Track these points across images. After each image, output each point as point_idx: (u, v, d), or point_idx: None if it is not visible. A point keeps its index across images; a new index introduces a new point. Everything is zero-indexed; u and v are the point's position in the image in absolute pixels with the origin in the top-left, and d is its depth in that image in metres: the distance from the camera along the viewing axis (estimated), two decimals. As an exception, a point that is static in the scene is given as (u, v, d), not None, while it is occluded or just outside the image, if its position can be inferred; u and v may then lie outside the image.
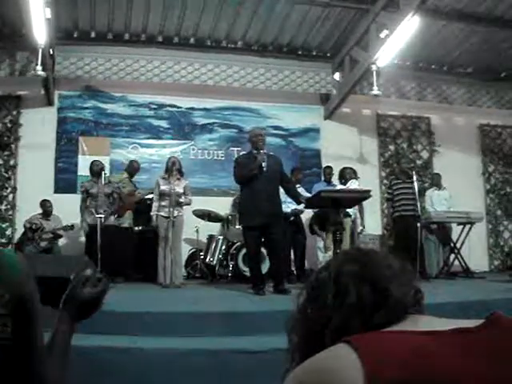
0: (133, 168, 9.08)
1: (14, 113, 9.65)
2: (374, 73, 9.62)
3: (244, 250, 8.43)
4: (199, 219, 9.20)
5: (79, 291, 1.43)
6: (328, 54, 10.87)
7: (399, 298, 1.02)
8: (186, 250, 9.11)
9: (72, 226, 8.85)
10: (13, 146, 9.56)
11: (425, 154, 11.38)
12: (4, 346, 1.15)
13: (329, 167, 9.35)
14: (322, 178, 9.60)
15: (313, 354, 0.94)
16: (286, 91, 10.61)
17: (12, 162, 9.54)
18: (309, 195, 7.84)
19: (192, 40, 10.25)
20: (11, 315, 1.16)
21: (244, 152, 8.35)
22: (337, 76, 10.82)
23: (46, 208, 8.94)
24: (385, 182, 10.91)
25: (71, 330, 1.43)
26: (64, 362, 1.35)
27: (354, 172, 8.75)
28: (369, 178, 9.94)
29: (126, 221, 8.66)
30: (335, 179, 9.01)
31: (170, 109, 10.37)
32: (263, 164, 6.71)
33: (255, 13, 9.53)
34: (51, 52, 9.33)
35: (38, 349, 1.22)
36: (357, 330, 0.96)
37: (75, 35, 9.84)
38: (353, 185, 8.29)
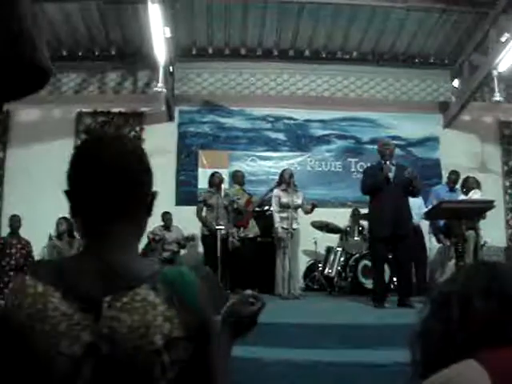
0: (238, 178, 9.65)
1: (137, 129, 10.77)
2: (495, 78, 9.85)
3: (363, 262, 8.89)
4: (317, 231, 9.70)
5: (239, 309, 1.56)
6: (446, 61, 11.21)
7: None
8: (304, 262, 9.69)
9: (193, 238, 9.78)
10: (136, 160, 10.75)
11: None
12: (183, 369, 1.22)
13: (455, 172, 9.24)
14: (444, 181, 9.72)
15: (437, 369, 0.99)
16: (403, 100, 11.10)
17: (135, 176, 10.70)
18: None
19: (307, 52, 10.98)
20: (192, 338, 1.23)
21: (363, 163, 9.16)
22: (455, 83, 11.11)
23: (166, 220, 9.78)
24: (509, 191, 11.10)
25: (230, 348, 1.52)
26: (226, 378, 1.41)
27: (477, 182, 8.77)
28: (491, 188, 9.97)
29: (252, 230, 9.27)
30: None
31: (287, 121, 11.12)
32: (390, 175, 7.02)
33: (370, 22, 10.08)
34: (171, 69, 10.34)
35: (215, 373, 1.28)
36: (484, 346, 1.00)
37: (193, 52, 10.88)
38: (475, 195, 8.37)
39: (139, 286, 1.22)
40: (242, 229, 9.12)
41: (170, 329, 1.20)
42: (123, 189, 1.29)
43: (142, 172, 1.34)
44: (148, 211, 1.37)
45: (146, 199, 1.36)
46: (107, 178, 1.28)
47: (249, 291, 1.66)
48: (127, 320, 1.19)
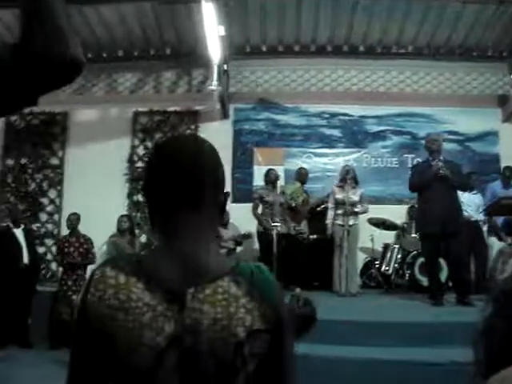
0: (302, 175, 9.86)
1: (193, 127, 11.02)
2: None
3: (421, 259, 8.83)
4: (374, 227, 9.82)
5: (303, 309, 1.67)
6: (504, 54, 11.08)
7: None
8: (361, 259, 9.78)
9: (249, 235, 9.94)
10: (193, 159, 11.04)
11: None
12: (261, 362, 1.27)
13: (509, 168, 9.27)
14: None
15: (500, 367, 0.98)
16: (460, 94, 11.05)
17: (193, 175, 11.00)
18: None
19: (361, 47, 11.03)
20: (270, 332, 1.28)
21: (419, 159, 9.17)
22: None
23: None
24: None
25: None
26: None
27: None
28: None
29: (304, 229, 9.53)
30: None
31: (342, 117, 11.19)
32: (441, 171, 7.08)
33: (425, 16, 10.06)
34: (225, 68, 10.51)
35: (290, 368, 1.34)
36: None
37: (247, 50, 11.05)
38: None
39: (221, 279, 1.27)
40: (293, 225, 9.34)
41: (251, 321, 1.25)
42: (199, 187, 1.34)
43: (217, 171, 1.39)
44: (221, 210, 1.42)
45: (220, 198, 1.40)
46: (184, 176, 1.33)
47: (298, 289, 1.77)
48: (210, 312, 1.23)
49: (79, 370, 1.28)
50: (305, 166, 10.66)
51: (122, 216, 9.09)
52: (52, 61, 1.22)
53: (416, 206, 9.63)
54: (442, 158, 7.37)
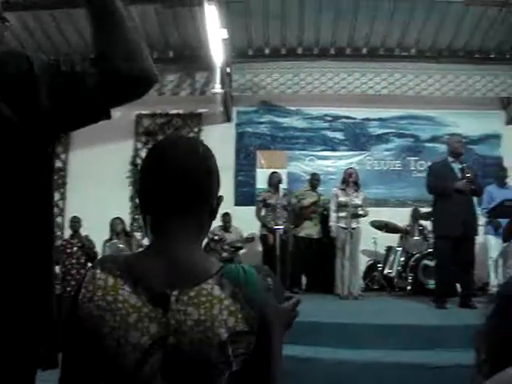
0: (312, 181, 9.89)
1: (196, 130, 11.14)
2: None
3: (424, 262, 8.98)
4: (377, 230, 9.87)
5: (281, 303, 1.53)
6: (507, 56, 11.11)
7: None
8: (364, 262, 9.81)
9: (252, 238, 10.01)
10: (195, 161, 11.11)
11: None
12: (245, 363, 1.29)
13: (502, 169, 9.41)
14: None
15: (501, 369, 0.99)
16: (463, 97, 11.08)
17: (194, 177, 11.06)
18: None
19: (364, 50, 11.09)
20: (254, 333, 1.29)
21: (424, 161, 9.19)
22: None
23: (226, 221, 10.06)
24: None
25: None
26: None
27: None
28: None
29: (304, 230, 9.53)
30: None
31: (345, 120, 11.29)
32: (469, 175, 7.11)
33: (428, 18, 10.10)
34: (228, 70, 10.58)
35: (275, 368, 1.33)
36: None
37: (250, 53, 11.12)
38: None
39: (205, 281, 1.30)
40: (293, 226, 9.39)
41: (234, 323, 1.28)
42: (186, 190, 1.35)
43: (208, 175, 1.40)
44: (212, 214, 1.43)
45: (210, 201, 1.41)
46: (171, 178, 1.35)
47: (298, 296, 1.66)
48: (194, 313, 1.27)
49: (71, 369, 1.33)
50: (307, 169, 10.81)
51: (114, 219, 9.32)
52: (129, 76, 1.33)
53: (419, 208, 9.77)
54: (462, 159, 7.48)
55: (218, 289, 1.30)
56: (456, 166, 7.35)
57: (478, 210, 8.17)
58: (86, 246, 8.76)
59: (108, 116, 1.46)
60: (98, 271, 1.34)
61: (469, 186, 7.08)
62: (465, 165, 7.32)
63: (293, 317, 1.53)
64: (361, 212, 8.76)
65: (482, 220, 8.55)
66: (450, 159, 7.43)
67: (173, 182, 1.35)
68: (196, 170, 1.37)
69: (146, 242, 10.65)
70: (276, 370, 1.33)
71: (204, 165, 1.40)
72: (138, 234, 10.67)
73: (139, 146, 11.24)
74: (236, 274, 1.34)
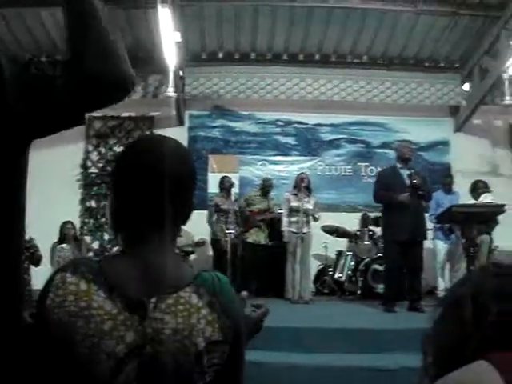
0: (264, 187, 9.75)
1: (148, 133, 10.83)
2: (506, 81, 10.03)
3: (373, 266, 9.13)
4: (328, 235, 9.94)
5: (248, 313, 1.60)
6: (456, 65, 11.36)
7: None
8: (314, 266, 9.84)
9: (203, 243, 9.92)
10: (147, 165, 11.02)
11: None
12: (218, 373, 1.28)
13: (448, 176, 9.63)
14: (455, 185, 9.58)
15: (448, 372, 0.99)
16: (413, 104, 11.25)
17: (146, 181, 10.98)
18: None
19: (317, 56, 11.20)
20: (228, 343, 1.29)
21: (373, 167, 9.31)
22: (466, 87, 11.23)
23: None
24: None
25: None
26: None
27: (486, 186, 8.85)
28: (503, 192, 9.65)
29: (252, 236, 9.48)
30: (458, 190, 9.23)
31: (297, 125, 11.35)
32: (415, 181, 7.25)
33: (380, 26, 10.26)
34: (181, 74, 10.57)
35: (242, 378, 1.35)
36: (496, 348, 1.00)
37: (203, 56, 11.13)
38: (486, 199, 8.40)
39: (182, 289, 1.28)
40: (242, 231, 9.41)
41: (211, 332, 1.26)
42: (162, 194, 1.31)
43: (189, 176, 1.40)
44: (184, 219, 1.42)
45: (189, 205, 1.42)
46: (146, 182, 1.32)
47: (244, 293, 1.79)
48: (171, 322, 1.24)
49: (39, 379, 1.27)
50: (259, 173, 10.82)
51: (65, 222, 9.19)
52: (105, 80, 1.26)
53: (368, 214, 9.89)
54: (410, 166, 7.64)
55: (195, 297, 1.28)
56: (404, 172, 7.49)
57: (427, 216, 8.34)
58: (30, 250, 8.56)
59: (82, 121, 1.40)
60: (69, 275, 1.27)
61: (410, 198, 7.20)
62: (412, 171, 7.45)
63: (260, 326, 1.61)
64: (317, 216, 8.83)
65: (430, 225, 8.71)
66: (399, 165, 7.57)
67: (148, 185, 1.32)
68: (180, 173, 1.36)
69: (95, 245, 10.64)
70: (243, 380, 1.36)
71: (179, 168, 1.37)
72: (87, 238, 10.58)
73: (90, 148, 11.11)
74: (212, 282, 1.32)
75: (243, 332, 1.34)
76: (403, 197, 7.20)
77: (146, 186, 1.32)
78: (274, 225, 9.60)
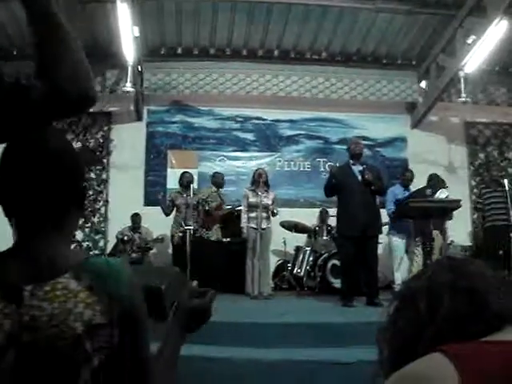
0: (217, 180, 9.68)
1: (106, 128, 10.97)
2: (462, 79, 10.22)
3: (332, 261, 9.16)
4: (286, 231, 9.98)
5: (189, 302, 1.58)
6: (413, 62, 11.55)
7: (498, 310, 1.05)
8: (273, 262, 9.90)
9: (162, 239, 9.94)
10: (104, 160, 10.88)
11: (517, 162, 11.63)
12: (109, 357, 1.26)
13: (408, 171, 9.49)
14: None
15: (403, 365, 1.00)
16: (371, 101, 11.44)
17: (104, 176, 10.83)
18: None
19: (276, 52, 11.27)
20: (119, 327, 1.28)
21: (331, 163, 9.39)
22: (423, 84, 11.42)
23: (135, 222, 10.03)
24: (475, 191, 11.41)
25: (181, 341, 1.54)
26: (172, 373, 1.46)
27: (443, 181, 8.96)
28: (458, 188, 10.17)
29: (214, 234, 9.43)
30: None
31: (256, 121, 11.43)
32: (367, 176, 7.32)
33: (338, 23, 10.35)
34: (140, 69, 10.50)
35: (145, 361, 1.33)
36: (451, 340, 1.00)
37: (162, 52, 11.12)
38: (442, 194, 8.31)
39: (62, 275, 1.26)
40: (204, 229, 9.34)
41: (91, 316, 1.24)
42: (40, 187, 1.31)
43: (62, 169, 1.37)
44: (79, 206, 1.42)
45: (77, 190, 1.40)
46: (25, 176, 1.32)
47: (194, 282, 1.66)
48: (48, 308, 1.22)
49: None
50: (218, 169, 10.71)
51: None
52: (72, 96, 1.30)
53: (327, 209, 9.96)
54: (362, 161, 7.71)
55: (73, 282, 1.26)
56: (356, 169, 7.55)
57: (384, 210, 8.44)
58: None
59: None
60: None
61: (362, 193, 7.29)
62: (364, 166, 7.53)
63: (209, 314, 1.59)
64: (275, 211, 8.83)
65: (385, 219, 8.80)
66: (351, 162, 7.64)
67: (27, 179, 1.32)
68: (50, 166, 1.34)
69: None
70: (146, 364, 1.33)
71: (58, 160, 1.36)
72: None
73: (46, 144, 10.91)
74: (97, 266, 1.32)
75: (139, 316, 1.33)
76: (331, 166, 7.72)
77: (15, 181, 1.33)
78: (232, 220, 9.60)
